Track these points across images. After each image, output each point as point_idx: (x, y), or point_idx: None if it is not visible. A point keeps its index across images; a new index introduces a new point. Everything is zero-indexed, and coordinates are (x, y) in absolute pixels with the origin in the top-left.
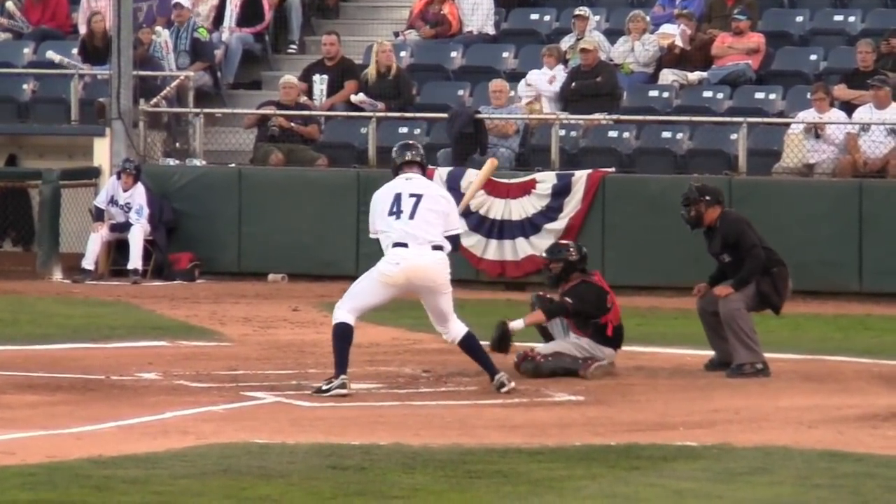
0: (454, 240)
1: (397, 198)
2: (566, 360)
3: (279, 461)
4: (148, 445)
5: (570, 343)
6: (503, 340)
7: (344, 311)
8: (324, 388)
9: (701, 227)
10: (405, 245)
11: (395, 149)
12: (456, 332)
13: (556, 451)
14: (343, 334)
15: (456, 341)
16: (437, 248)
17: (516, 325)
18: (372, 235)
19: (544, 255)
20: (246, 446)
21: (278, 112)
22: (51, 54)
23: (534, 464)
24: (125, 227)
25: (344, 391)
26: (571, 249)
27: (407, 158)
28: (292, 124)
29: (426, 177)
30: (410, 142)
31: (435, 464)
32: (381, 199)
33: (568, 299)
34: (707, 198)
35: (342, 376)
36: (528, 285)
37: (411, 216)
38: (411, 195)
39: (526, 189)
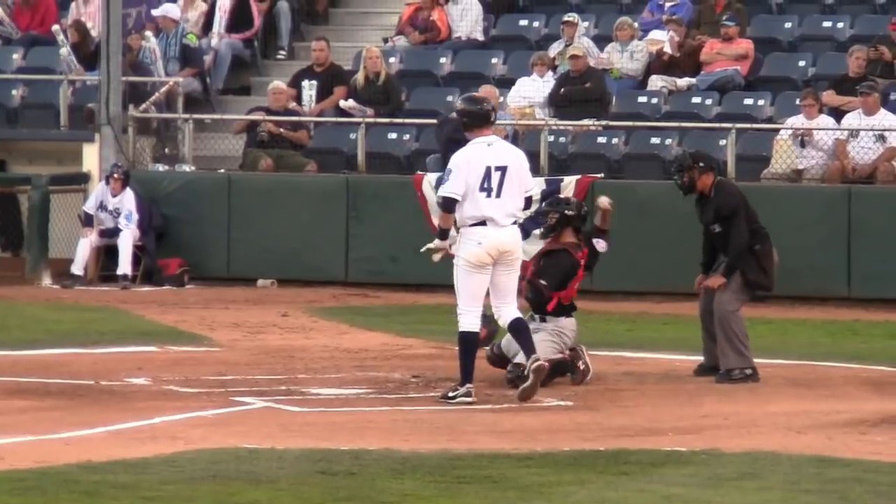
0: (528, 199)
1: (487, 172)
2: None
3: (268, 466)
4: (137, 451)
5: (547, 337)
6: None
7: (468, 317)
8: (450, 395)
9: (693, 193)
10: (483, 223)
11: (464, 102)
12: (510, 315)
13: (546, 456)
14: (467, 343)
15: (506, 323)
16: (515, 222)
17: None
18: (452, 195)
19: (544, 204)
20: (235, 452)
21: (267, 118)
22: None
23: (523, 469)
24: (114, 232)
25: (470, 399)
26: (571, 204)
27: (484, 115)
28: (281, 130)
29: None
30: (479, 94)
31: (424, 469)
32: (473, 168)
33: (543, 282)
34: (701, 164)
35: (468, 385)
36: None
37: (498, 194)
38: (497, 168)
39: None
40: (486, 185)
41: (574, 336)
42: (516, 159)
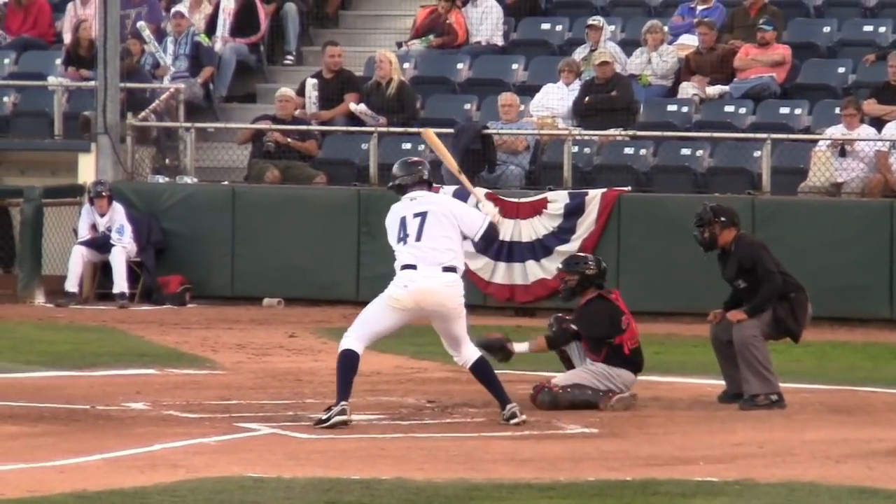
0: (488, 233)
1: (402, 222)
2: (586, 392)
3: (275, 496)
4: (135, 479)
5: (587, 371)
6: (501, 351)
7: (351, 339)
8: (323, 417)
9: (715, 250)
10: (413, 267)
11: (396, 168)
12: (468, 356)
13: (569, 486)
14: (347, 361)
15: (468, 366)
16: (449, 269)
17: (520, 347)
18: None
19: (560, 266)
20: (240, 481)
21: (274, 127)
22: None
23: (545, 500)
24: (109, 248)
25: (344, 417)
26: (590, 262)
27: (409, 180)
28: (289, 140)
29: (432, 192)
30: (413, 159)
31: (440, 500)
32: (389, 225)
33: (573, 325)
34: (722, 219)
35: (342, 403)
36: (539, 311)
37: (417, 237)
38: (415, 215)
39: (537, 209)
40: (401, 235)
41: (626, 391)
42: (443, 205)
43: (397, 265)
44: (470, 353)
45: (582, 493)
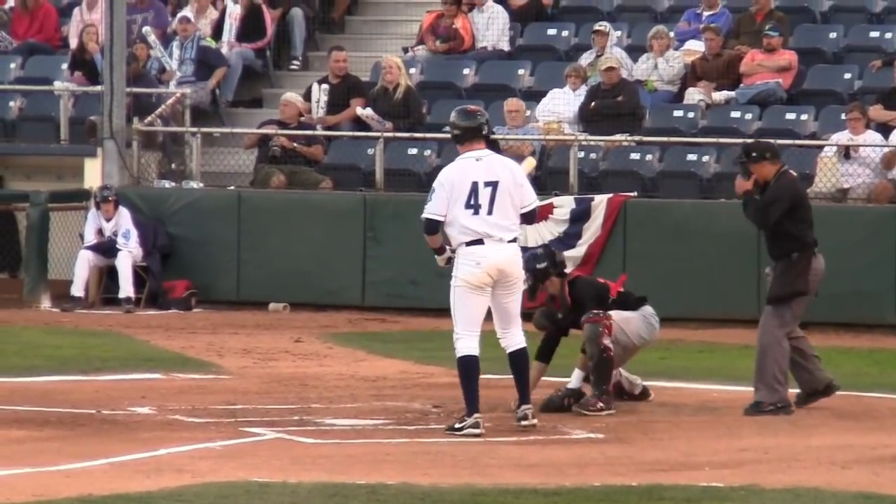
0: (530, 214)
1: (474, 188)
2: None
3: (280, 501)
4: (141, 484)
5: (634, 321)
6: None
7: (464, 340)
8: (456, 426)
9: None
10: (480, 242)
11: (456, 115)
12: (514, 342)
13: (574, 491)
14: (468, 368)
15: (509, 350)
16: (512, 241)
17: (574, 384)
18: (433, 217)
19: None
20: (245, 485)
21: (280, 132)
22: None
23: None
24: (115, 252)
25: (477, 431)
26: (539, 257)
27: (472, 133)
28: (295, 144)
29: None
30: (471, 107)
31: None
32: (456, 185)
33: (595, 312)
34: (767, 154)
35: (476, 415)
36: None
37: (490, 211)
38: (487, 183)
39: (542, 214)
40: (472, 202)
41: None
42: (510, 173)
43: (457, 234)
44: (517, 339)
45: (587, 498)
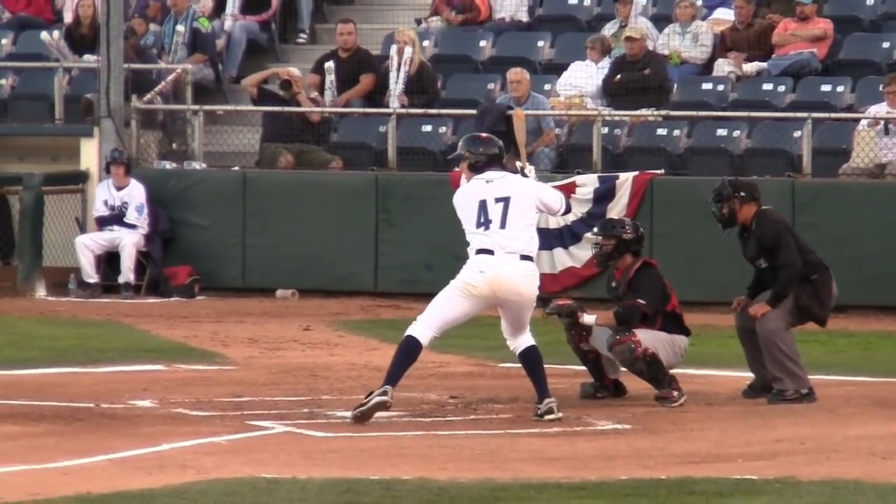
0: (568, 208)
1: (482, 206)
2: (661, 369)
3: (289, 498)
4: (142, 481)
5: (657, 339)
6: (569, 316)
7: (419, 325)
8: (364, 398)
9: (734, 227)
10: (491, 252)
11: (463, 144)
12: (522, 343)
13: (600, 485)
14: (406, 348)
15: (517, 351)
16: (527, 258)
17: (588, 319)
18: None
19: (594, 230)
20: (252, 482)
21: (280, 70)
22: (44, 36)
23: (574, 500)
24: (121, 225)
25: (385, 398)
26: (626, 227)
27: (483, 160)
28: (297, 88)
29: (505, 170)
30: (483, 136)
31: (464, 500)
32: (464, 205)
33: (641, 300)
34: (742, 193)
35: (386, 386)
36: None
37: (502, 224)
38: (498, 199)
39: (565, 194)
40: (482, 220)
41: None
42: (525, 191)
43: (471, 249)
44: (525, 340)
45: (614, 492)
